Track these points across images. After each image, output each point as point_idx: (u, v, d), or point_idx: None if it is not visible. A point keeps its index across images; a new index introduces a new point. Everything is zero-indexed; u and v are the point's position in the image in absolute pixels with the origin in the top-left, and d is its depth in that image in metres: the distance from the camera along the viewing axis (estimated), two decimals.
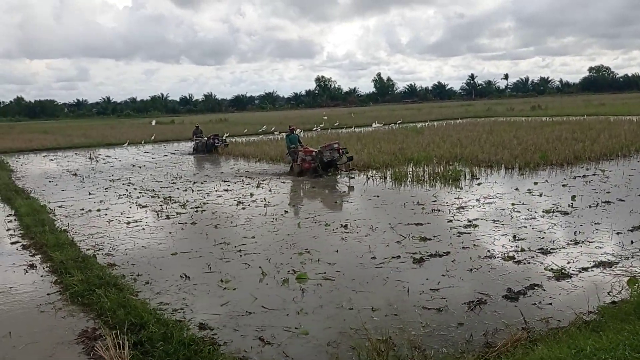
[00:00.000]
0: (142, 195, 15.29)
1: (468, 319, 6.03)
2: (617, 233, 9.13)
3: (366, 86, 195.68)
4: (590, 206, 11.27)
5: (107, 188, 17.11)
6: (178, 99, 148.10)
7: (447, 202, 12.38)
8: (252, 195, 14.55)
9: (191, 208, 13.03)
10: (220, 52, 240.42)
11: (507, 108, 59.72)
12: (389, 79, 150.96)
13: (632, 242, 8.58)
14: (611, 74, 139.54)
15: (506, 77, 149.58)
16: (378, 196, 14.05)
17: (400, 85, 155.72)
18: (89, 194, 16.07)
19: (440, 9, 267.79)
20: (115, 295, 6.73)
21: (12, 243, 10.40)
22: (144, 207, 13.51)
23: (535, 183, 14.31)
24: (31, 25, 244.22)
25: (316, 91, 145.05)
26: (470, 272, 7.58)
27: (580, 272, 7.33)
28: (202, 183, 17.36)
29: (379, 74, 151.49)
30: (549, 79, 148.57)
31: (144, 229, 11.12)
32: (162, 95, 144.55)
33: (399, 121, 45.85)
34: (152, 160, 26.45)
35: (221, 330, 5.97)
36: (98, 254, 9.24)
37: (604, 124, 30.12)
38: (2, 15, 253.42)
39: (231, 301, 6.83)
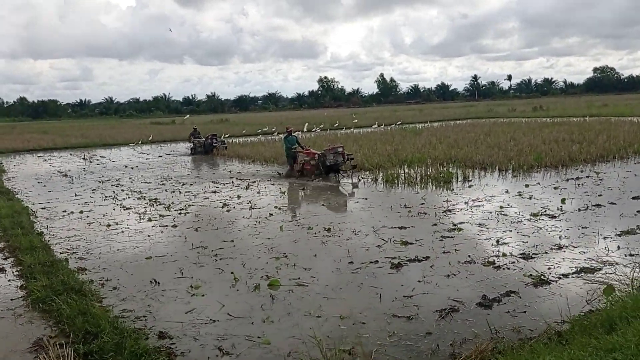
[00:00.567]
0: (128, 197, 15.09)
1: (437, 327, 5.80)
2: (604, 238, 8.88)
3: (370, 87, 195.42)
4: (579, 209, 11.02)
5: (94, 189, 16.92)
6: (181, 99, 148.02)
7: (434, 205, 12.14)
8: (239, 197, 14.34)
9: (175, 210, 12.83)
10: (224, 52, 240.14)
11: (509, 109, 59.37)
12: (392, 80, 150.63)
13: (618, 247, 8.33)
14: (616, 75, 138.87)
15: (509, 77, 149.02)
16: (366, 198, 13.83)
17: (404, 86, 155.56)
18: (75, 195, 15.89)
19: (444, 9, 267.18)
20: (77, 301, 6.51)
21: None
22: (127, 209, 13.30)
23: (527, 185, 14.06)
24: (35, 25, 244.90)
25: (319, 92, 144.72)
26: (447, 278, 7.34)
27: (560, 278, 7.10)
28: (191, 184, 17.16)
29: (381, 75, 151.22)
30: (553, 79, 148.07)
31: (123, 231, 10.91)
32: (165, 95, 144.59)
33: (399, 122, 45.54)
34: (145, 161, 26.28)
35: (181, 339, 5.75)
36: (71, 257, 9.04)
37: (604, 125, 29.78)
38: (7, 15, 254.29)
39: (197, 308, 6.61)
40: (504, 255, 8.20)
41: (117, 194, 15.67)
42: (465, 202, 12.26)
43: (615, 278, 6.76)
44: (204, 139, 29.14)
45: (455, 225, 10.17)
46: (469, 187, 14.46)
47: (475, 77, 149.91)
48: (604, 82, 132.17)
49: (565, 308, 5.91)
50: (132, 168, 22.96)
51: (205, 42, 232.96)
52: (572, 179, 14.78)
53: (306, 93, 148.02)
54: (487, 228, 9.92)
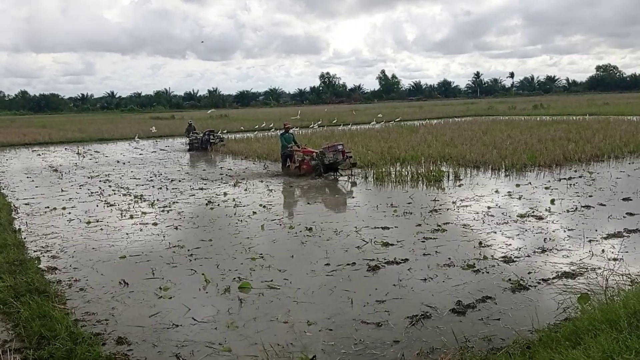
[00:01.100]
0: (114, 193, 14.90)
1: (406, 335, 5.58)
2: (590, 241, 8.66)
3: (372, 83, 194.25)
4: (568, 211, 10.79)
5: (82, 185, 16.72)
6: (183, 94, 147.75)
7: (421, 205, 11.91)
8: (225, 194, 14.13)
9: (158, 207, 12.62)
10: (226, 47, 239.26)
11: (509, 107, 58.97)
12: (393, 76, 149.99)
13: (602, 251, 8.10)
14: (619, 73, 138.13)
15: (512, 75, 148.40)
16: (354, 197, 13.64)
17: (406, 83, 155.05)
18: (62, 191, 15.70)
19: (446, 6, 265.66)
20: (38, 304, 6.29)
21: None
22: (111, 205, 13.11)
23: (518, 185, 13.82)
24: (38, 19, 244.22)
25: (320, 88, 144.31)
26: (423, 282, 7.13)
27: (539, 283, 6.88)
28: (179, 181, 16.95)
29: (383, 71, 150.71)
30: (555, 77, 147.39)
31: (102, 229, 10.71)
32: (167, 90, 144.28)
33: (398, 119, 45.24)
34: (139, 156, 26.08)
35: (139, 345, 5.54)
36: (44, 256, 8.84)
37: (603, 124, 29.50)
38: (9, 8, 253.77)
39: (162, 312, 6.41)
40: (485, 258, 7.98)
41: (103, 190, 15.47)
42: (453, 202, 12.04)
43: (596, 284, 6.53)
44: (201, 135, 28.66)
45: (439, 226, 9.94)
46: (459, 186, 14.23)
47: (477, 75, 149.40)
48: (607, 80, 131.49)
49: (540, 316, 5.69)
50: (124, 163, 22.76)
51: (208, 38, 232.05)
52: (565, 178, 14.54)
53: (308, 89, 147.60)
54: (471, 229, 9.69)
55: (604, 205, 11.19)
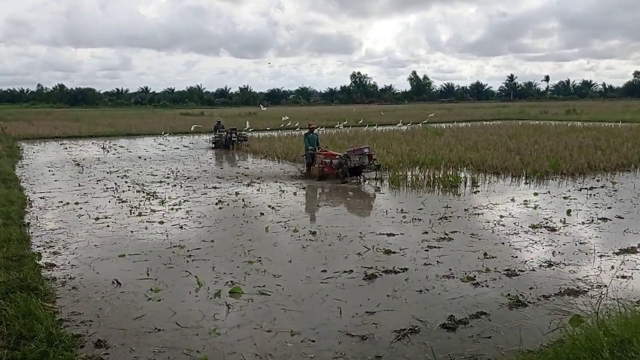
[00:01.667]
0: (129, 190, 14.96)
1: (390, 351, 5.39)
2: (600, 256, 8.31)
3: (404, 84, 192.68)
4: (583, 223, 10.40)
5: (99, 180, 16.86)
6: (215, 91, 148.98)
7: (432, 211, 11.64)
8: (237, 194, 14.07)
9: (168, 205, 12.60)
10: (259, 45, 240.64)
11: (541, 111, 57.88)
12: (425, 77, 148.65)
13: (612, 267, 7.75)
14: None
15: (547, 79, 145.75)
16: (365, 201, 13.42)
17: (438, 84, 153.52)
18: (79, 185, 15.85)
19: (482, 7, 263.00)
20: (25, 301, 6.27)
21: None
22: (123, 202, 13.15)
23: (536, 194, 13.43)
24: (77, 14, 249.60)
25: (351, 87, 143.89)
26: (419, 294, 6.91)
27: (539, 300, 6.59)
28: (195, 179, 16.96)
29: (414, 72, 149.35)
30: (592, 82, 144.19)
31: (108, 225, 10.73)
32: (199, 86, 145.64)
33: (425, 121, 44.67)
34: (161, 152, 26.26)
35: (117, 349, 5.46)
36: (45, 252, 8.88)
37: (635, 131, 28.60)
38: (49, 2, 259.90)
39: (147, 314, 6.33)
40: (487, 270, 7.71)
41: (118, 186, 15.56)
42: (465, 210, 11.74)
43: (596, 304, 6.22)
44: (225, 133, 28.59)
45: (446, 234, 9.68)
46: (475, 193, 13.90)
47: (511, 77, 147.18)
48: None
49: (531, 336, 5.44)
50: (145, 159, 22.92)
51: (241, 35, 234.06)
52: (586, 188, 14.08)
53: (338, 88, 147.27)
54: (479, 239, 9.41)
55: (622, 218, 10.77)
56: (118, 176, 17.73)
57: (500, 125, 37.11)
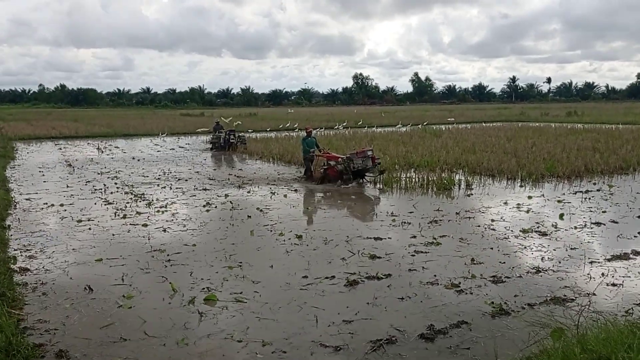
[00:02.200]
0: (117, 191, 14.74)
1: None
2: (591, 262, 8.06)
3: (406, 85, 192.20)
4: (575, 227, 10.14)
5: (89, 181, 16.65)
6: (216, 92, 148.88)
7: (422, 215, 11.40)
8: (226, 196, 13.84)
9: (155, 208, 12.38)
10: (261, 46, 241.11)
11: (542, 113, 57.54)
12: (427, 79, 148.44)
13: (602, 274, 7.50)
14: None
15: (549, 80, 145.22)
16: (356, 203, 13.19)
17: (441, 86, 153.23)
18: (67, 187, 15.62)
19: (484, 9, 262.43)
20: None
21: None
22: (109, 204, 12.93)
23: (530, 197, 13.17)
24: (79, 14, 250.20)
25: (353, 89, 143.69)
26: (400, 301, 6.66)
27: (523, 308, 6.34)
28: (186, 180, 16.73)
29: (416, 74, 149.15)
30: (594, 84, 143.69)
31: (90, 228, 10.51)
32: (200, 87, 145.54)
33: (425, 122, 44.41)
34: (156, 153, 26.04)
35: None
36: (22, 255, 8.66)
37: (635, 133, 28.31)
38: (51, 2, 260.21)
39: (116, 323, 6.09)
40: (473, 276, 7.46)
41: (107, 187, 15.34)
42: (457, 213, 11.49)
43: (565, 315, 5.96)
44: (223, 134, 27.88)
45: (435, 239, 9.43)
46: (468, 196, 13.65)
47: (513, 79, 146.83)
48: None
49: (511, 348, 5.19)
50: (139, 160, 22.71)
51: (243, 36, 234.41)
52: (581, 191, 13.81)
53: (340, 89, 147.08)
54: (468, 244, 9.16)
55: (616, 222, 10.50)
56: (108, 177, 17.51)
57: (499, 127, 36.86)
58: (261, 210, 12.06)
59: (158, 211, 12.03)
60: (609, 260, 8.15)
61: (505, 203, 12.48)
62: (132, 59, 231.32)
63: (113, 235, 10.00)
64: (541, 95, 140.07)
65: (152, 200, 13.28)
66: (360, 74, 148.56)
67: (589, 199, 12.86)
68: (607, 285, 7.08)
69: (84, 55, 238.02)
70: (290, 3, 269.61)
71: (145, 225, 10.75)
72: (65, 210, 12.26)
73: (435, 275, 7.54)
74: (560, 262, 8.06)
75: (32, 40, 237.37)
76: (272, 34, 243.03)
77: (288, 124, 42.27)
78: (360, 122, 44.83)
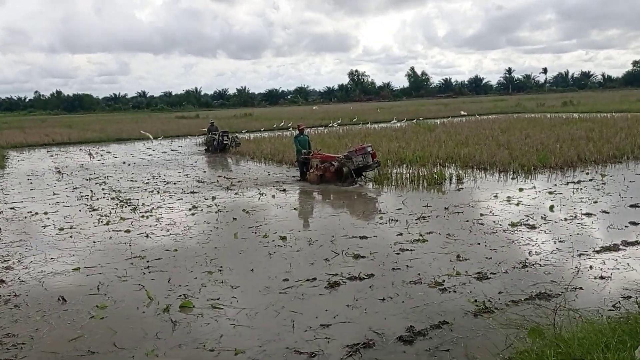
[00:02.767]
0: (103, 197, 14.54)
1: None
2: (580, 255, 7.86)
3: (403, 80, 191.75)
4: (565, 219, 9.94)
5: (76, 188, 16.46)
6: (212, 93, 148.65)
7: (411, 211, 11.21)
8: (214, 198, 13.64)
9: (140, 213, 12.18)
10: (256, 46, 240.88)
11: (537, 104, 57.29)
12: (423, 73, 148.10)
13: (590, 267, 7.31)
14: None
15: (545, 71, 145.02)
16: (344, 202, 12.99)
17: (437, 80, 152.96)
18: (53, 194, 15.43)
19: (477, 1, 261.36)
20: None
21: None
22: (93, 210, 12.74)
23: (521, 189, 12.96)
24: (73, 20, 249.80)
25: (349, 86, 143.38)
26: (381, 302, 6.46)
27: (507, 306, 6.15)
28: (174, 184, 16.53)
29: (412, 68, 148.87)
30: (591, 73, 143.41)
31: (71, 236, 10.31)
32: (196, 89, 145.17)
33: (420, 117, 44.17)
34: (148, 157, 25.84)
35: None
36: None
37: (630, 121, 28.13)
38: (45, 10, 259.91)
39: (86, 334, 5.89)
40: (458, 274, 7.26)
41: (94, 194, 15.15)
42: (446, 208, 11.29)
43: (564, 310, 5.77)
44: (216, 136, 27.27)
45: (421, 235, 9.24)
46: (459, 190, 13.46)
47: (509, 70, 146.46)
48: None
49: (491, 348, 5.00)
50: (129, 165, 22.52)
51: (238, 36, 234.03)
52: (573, 182, 13.61)
53: (336, 87, 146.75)
54: (455, 239, 8.96)
55: (607, 213, 10.31)
56: (96, 183, 17.31)
57: (493, 120, 36.66)
58: (247, 212, 11.86)
59: (142, 216, 11.83)
60: (598, 252, 7.95)
61: (496, 196, 12.29)
62: (128, 63, 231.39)
63: (94, 242, 9.81)
64: (538, 85, 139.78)
65: (138, 205, 13.09)
66: (356, 71, 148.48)
67: (581, 189, 12.66)
68: (595, 278, 6.89)
69: (80, 60, 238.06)
70: (283, 2, 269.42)
71: (127, 231, 10.55)
72: (49, 218, 12.06)
73: (419, 274, 7.35)
74: (547, 256, 7.87)
75: (27, 47, 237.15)
76: (267, 34, 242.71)
77: (282, 123, 42.11)
78: (355, 119, 44.64)
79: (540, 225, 9.60)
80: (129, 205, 13.11)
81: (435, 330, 5.63)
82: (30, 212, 12.83)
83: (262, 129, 40.32)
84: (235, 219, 11.30)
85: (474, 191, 13.14)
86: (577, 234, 8.97)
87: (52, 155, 28.36)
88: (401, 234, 9.44)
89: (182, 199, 13.87)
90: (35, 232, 10.78)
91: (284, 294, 6.88)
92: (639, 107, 43.04)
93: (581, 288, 6.57)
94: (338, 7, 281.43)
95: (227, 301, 6.71)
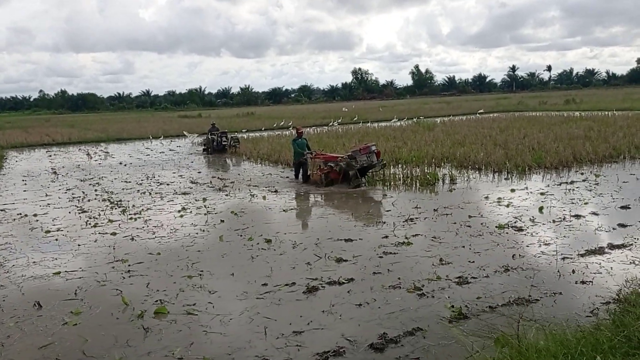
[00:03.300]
0: (95, 199, 14.50)
1: None
2: (564, 258, 7.76)
3: (407, 78, 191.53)
4: (554, 221, 9.84)
5: (69, 189, 16.43)
6: (215, 92, 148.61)
7: (399, 212, 11.13)
8: (204, 199, 13.58)
9: (129, 215, 12.13)
10: (260, 44, 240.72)
11: (540, 102, 57.02)
12: (427, 71, 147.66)
13: (573, 271, 7.21)
14: None
15: (549, 68, 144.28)
16: (334, 202, 12.92)
17: (441, 77, 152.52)
18: (46, 195, 15.40)
19: None
20: None
21: None
22: (83, 212, 12.70)
23: (513, 190, 12.86)
24: (77, 19, 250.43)
25: (352, 84, 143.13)
26: (357, 308, 6.38)
27: (483, 311, 6.06)
28: (168, 185, 16.48)
29: (417, 66, 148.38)
30: (595, 70, 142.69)
31: (57, 239, 10.27)
32: (200, 88, 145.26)
33: (421, 116, 44.04)
34: (145, 157, 25.82)
35: None
36: None
37: (630, 120, 27.95)
38: (50, 9, 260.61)
39: (56, 342, 5.84)
40: (438, 278, 7.18)
41: (86, 195, 15.11)
42: (435, 210, 11.20)
43: (540, 316, 5.69)
44: (215, 137, 26.84)
45: (407, 238, 9.15)
46: (451, 191, 13.35)
47: (513, 68, 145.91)
48: None
49: (461, 356, 4.91)
50: (125, 165, 22.48)
51: (241, 35, 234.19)
52: (566, 182, 13.49)
53: (340, 85, 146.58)
54: (440, 242, 8.88)
55: (597, 214, 10.20)
56: (90, 184, 17.29)
57: (494, 118, 36.49)
58: (236, 214, 11.80)
59: (131, 218, 11.78)
60: (582, 255, 7.85)
61: (487, 198, 12.19)
62: (132, 62, 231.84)
63: (79, 245, 9.76)
64: (542, 83, 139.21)
65: (128, 207, 13.03)
66: (360, 69, 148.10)
67: (573, 190, 12.55)
68: (577, 283, 6.80)
69: (84, 60, 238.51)
70: (286, 0, 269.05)
71: (114, 234, 10.50)
72: (37, 220, 12.03)
73: (399, 278, 7.27)
74: (530, 260, 7.77)
75: (31, 47, 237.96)
76: (270, 32, 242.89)
77: (282, 123, 42.09)
78: (355, 118, 44.55)
79: (527, 227, 9.50)
80: (119, 207, 13.06)
81: (408, 337, 5.55)
82: (20, 214, 12.80)
83: (263, 128, 40.24)
84: (223, 221, 11.24)
85: (465, 192, 13.04)
86: (564, 236, 8.87)
87: (50, 156, 28.36)
88: (387, 237, 9.36)
89: (172, 200, 13.81)
90: (21, 235, 10.74)
91: (260, 299, 6.81)
92: None
93: (561, 293, 6.48)
94: (341, 5, 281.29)
95: (202, 307, 6.64)
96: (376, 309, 6.33)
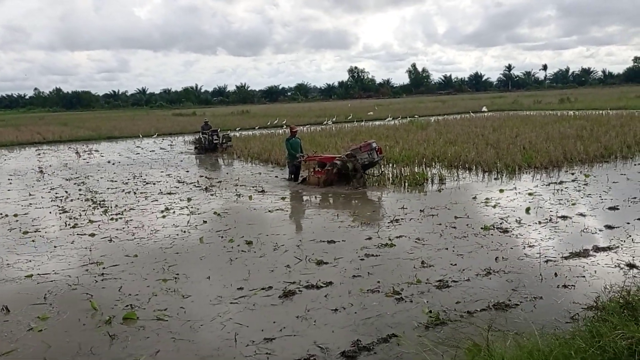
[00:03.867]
0: (78, 198, 14.28)
1: None
2: (547, 261, 7.58)
3: (403, 77, 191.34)
4: (540, 222, 9.66)
5: (53, 188, 16.20)
6: (211, 90, 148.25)
7: (385, 213, 10.96)
8: (189, 200, 13.37)
9: (110, 215, 11.92)
10: (256, 43, 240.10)
11: (534, 101, 56.90)
12: (424, 70, 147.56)
13: (555, 274, 7.03)
14: None
15: (545, 67, 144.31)
16: (319, 203, 12.73)
17: (437, 76, 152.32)
18: (29, 195, 15.17)
19: None
20: None
21: None
22: (64, 212, 12.48)
23: (502, 190, 12.68)
24: (72, 17, 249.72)
25: (349, 82, 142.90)
26: (333, 313, 6.19)
27: (461, 317, 5.88)
28: (153, 184, 16.27)
29: (413, 65, 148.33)
30: (591, 69, 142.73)
31: (33, 240, 10.06)
32: (196, 86, 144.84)
33: (415, 115, 43.88)
34: (135, 156, 25.59)
35: None
36: None
37: (624, 119, 27.80)
38: (45, 7, 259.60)
39: (19, 349, 5.64)
40: (418, 282, 6.99)
41: (69, 195, 14.88)
42: (421, 211, 11.02)
43: (522, 321, 5.52)
44: (207, 135, 26.53)
45: (390, 240, 8.97)
46: (439, 191, 13.17)
47: (508, 67, 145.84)
48: None
49: None
50: (113, 164, 22.25)
51: (237, 33, 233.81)
52: (555, 182, 13.31)
53: (336, 84, 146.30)
54: (423, 244, 8.69)
55: (584, 215, 10.02)
56: (75, 183, 17.06)
57: (487, 117, 36.32)
58: (219, 215, 11.60)
59: (112, 219, 11.57)
60: (566, 258, 7.67)
61: (474, 198, 12.02)
62: (128, 60, 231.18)
63: (55, 247, 9.55)
64: (538, 82, 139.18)
65: (110, 207, 12.82)
66: (356, 68, 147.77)
67: (562, 190, 12.38)
68: (558, 287, 6.62)
69: (79, 58, 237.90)
70: None
71: (92, 235, 10.29)
72: (17, 221, 11.82)
73: (378, 282, 7.08)
74: (513, 263, 7.59)
75: (26, 45, 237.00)
76: (266, 31, 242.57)
77: (276, 121, 41.91)
78: (350, 117, 44.36)
79: (513, 229, 9.32)
80: (102, 207, 12.84)
81: (382, 344, 5.37)
82: (1, 214, 12.56)
83: (257, 127, 40.00)
84: (206, 222, 11.04)
85: (454, 192, 12.86)
86: (549, 238, 8.70)
87: (39, 154, 28.10)
88: (370, 238, 9.18)
89: (157, 200, 13.60)
90: None
91: (234, 304, 6.62)
92: (636, 103, 42.76)
93: (541, 298, 6.30)
94: (337, 4, 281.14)
95: (174, 312, 6.44)
96: (352, 314, 6.14)
